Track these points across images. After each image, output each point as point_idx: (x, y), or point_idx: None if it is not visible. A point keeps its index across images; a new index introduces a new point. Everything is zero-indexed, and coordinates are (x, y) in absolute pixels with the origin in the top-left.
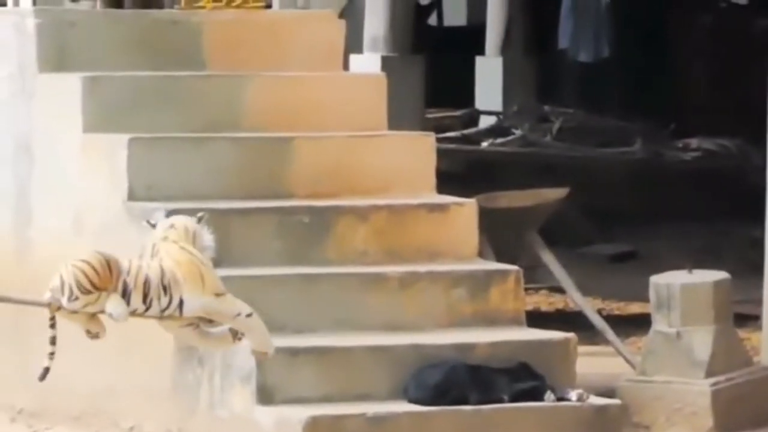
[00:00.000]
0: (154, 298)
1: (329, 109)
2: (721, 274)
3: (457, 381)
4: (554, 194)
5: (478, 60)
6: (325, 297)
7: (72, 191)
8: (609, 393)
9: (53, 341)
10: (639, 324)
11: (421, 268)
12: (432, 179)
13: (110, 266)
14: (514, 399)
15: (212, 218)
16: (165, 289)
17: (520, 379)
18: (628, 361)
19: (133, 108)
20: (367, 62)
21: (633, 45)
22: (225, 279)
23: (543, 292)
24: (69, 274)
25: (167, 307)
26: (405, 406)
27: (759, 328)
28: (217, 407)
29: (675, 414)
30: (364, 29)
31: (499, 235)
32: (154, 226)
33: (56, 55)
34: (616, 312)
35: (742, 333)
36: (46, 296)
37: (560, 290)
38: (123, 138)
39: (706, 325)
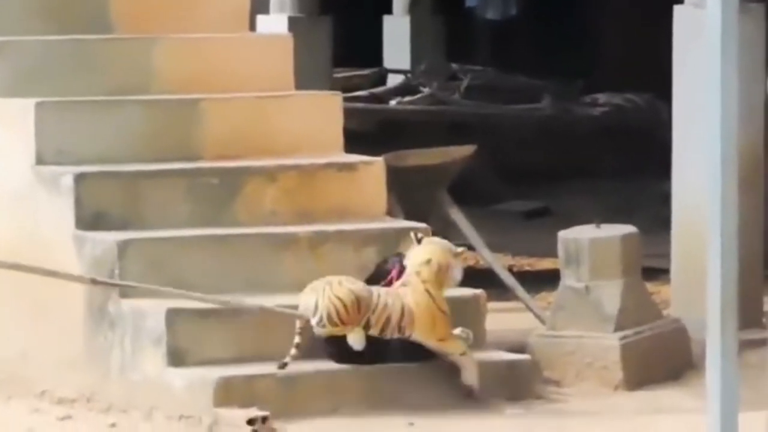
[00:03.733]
0: (388, 332)
1: (237, 70)
2: (629, 228)
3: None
4: (462, 152)
5: (386, 19)
6: (235, 258)
7: None
8: (519, 349)
9: (297, 347)
10: (550, 280)
11: (331, 227)
12: (340, 139)
13: (359, 305)
14: (410, 355)
15: (121, 181)
16: (400, 328)
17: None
18: (537, 316)
19: (41, 72)
20: (275, 23)
21: (541, 2)
22: (135, 242)
23: None
24: (323, 305)
25: (396, 338)
26: (316, 365)
27: (669, 281)
28: (129, 371)
29: (585, 368)
30: None
31: (408, 194)
32: (419, 241)
33: None
34: (527, 268)
35: (652, 287)
36: (301, 307)
37: (472, 248)
38: (31, 102)
39: (615, 279)
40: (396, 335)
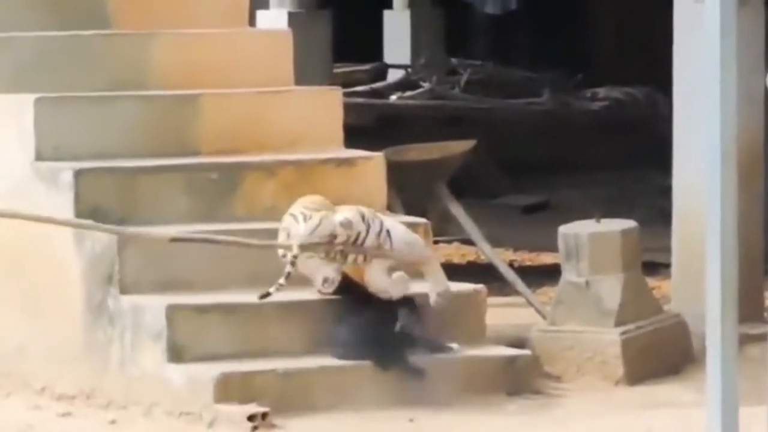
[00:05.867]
0: (369, 218)
1: (235, 65)
2: (629, 223)
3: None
4: (461, 146)
5: (386, 14)
6: (234, 253)
7: None
8: (520, 343)
9: (288, 276)
10: (551, 274)
11: None
12: (339, 134)
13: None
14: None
15: (120, 177)
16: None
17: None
18: (538, 311)
19: (39, 68)
20: (274, 18)
21: None
22: (133, 237)
23: (455, 244)
24: (297, 207)
25: (380, 231)
26: (316, 361)
27: (669, 276)
28: (129, 366)
29: (586, 363)
30: None
31: (408, 189)
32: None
33: None
34: (528, 263)
35: (652, 281)
36: (281, 237)
37: (472, 242)
38: (29, 98)
39: (615, 273)
40: (377, 224)
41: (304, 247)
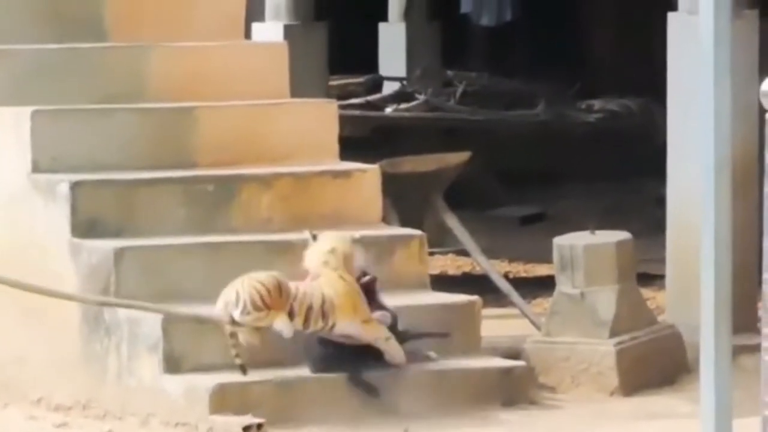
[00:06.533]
0: (312, 321)
1: (231, 78)
2: (624, 235)
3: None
4: (456, 158)
5: (381, 26)
6: (230, 265)
7: None
8: (515, 354)
9: (238, 356)
10: (546, 285)
11: None
12: (335, 146)
13: (281, 289)
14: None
15: (117, 189)
16: (323, 315)
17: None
18: (533, 322)
19: (36, 80)
20: (270, 30)
21: (536, 8)
22: (131, 249)
23: (451, 255)
24: (245, 292)
25: (322, 329)
26: (311, 373)
27: (664, 287)
28: (125, 377)
29: (581, 374)
30: None
31: (404, 200)
32: (315, 238)
33: None
34: (523, 274)
35: (647, 292)
36: (219, 305)
37: (468, 254)
38: (27, 110)
39: (610, 285)
40: (320, 324)
41: (234, 325)
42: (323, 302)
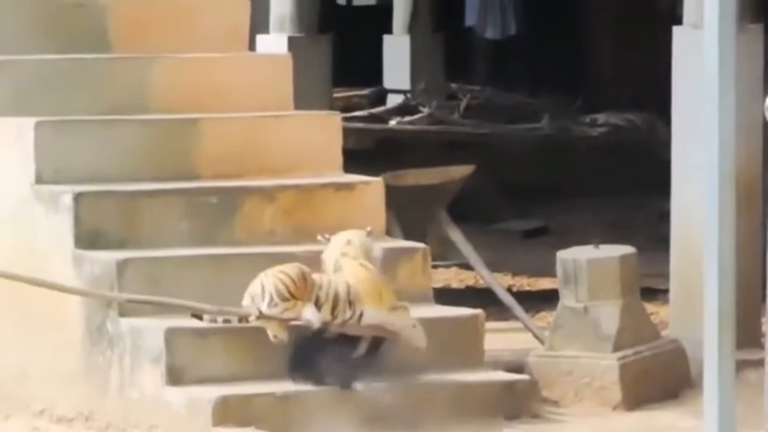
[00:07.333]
0: (340, 311)
1: (235, 90)
2: (627, 249)
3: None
4: (460, 171)
5: (386, 38)
6: (233, 277)
7: None
8: (518, 368)
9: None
10: (549, 299)
11: None
12: (339, 158)
13: (306, 279)
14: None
15: (120, 200)
16: (350, 303)
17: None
18: (536, 336)
19: (40, 91)
20: (274, 42)
21: (540, 21)
22: (134, 261)
23: (454, 268)
24: (270, 283)
25: (350, 318)
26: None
27: (667, 301)
28: (128, 388)
29: (584, 388)
30: (270, 9)
31: (407, 213)
32: (328, 240)
33: None
34: (527, 287)
35: (650, 307)
36: (245, 301)
37: (471, 267)
38: (30, 121)
39: (613, 299)
40: (348, 314)
41: (261, 318)
42: (349, 291)
